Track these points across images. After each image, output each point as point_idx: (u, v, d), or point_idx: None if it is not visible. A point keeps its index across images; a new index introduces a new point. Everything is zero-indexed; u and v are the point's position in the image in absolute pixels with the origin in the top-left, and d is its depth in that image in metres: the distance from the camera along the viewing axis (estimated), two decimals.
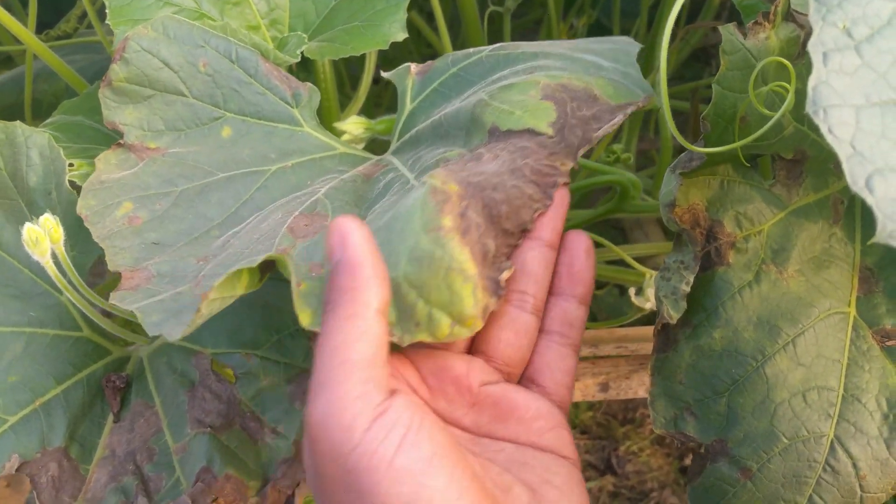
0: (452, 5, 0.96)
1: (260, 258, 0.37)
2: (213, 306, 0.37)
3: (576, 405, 1.17)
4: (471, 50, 0.49)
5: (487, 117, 0.41)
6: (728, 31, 0.41)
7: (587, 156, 0.84)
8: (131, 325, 0.52)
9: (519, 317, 0.40)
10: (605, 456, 1.13)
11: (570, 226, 0.69)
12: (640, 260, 0.70)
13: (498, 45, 0.49)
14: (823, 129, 0.27)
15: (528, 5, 1.12)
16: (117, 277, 0.42)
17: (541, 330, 0.42)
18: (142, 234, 0.45)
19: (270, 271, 0.39)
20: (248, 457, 0.44)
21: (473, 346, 0.41)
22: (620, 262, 0.69)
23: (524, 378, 0.41)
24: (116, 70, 0.48)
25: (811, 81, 0.28)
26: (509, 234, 0.37)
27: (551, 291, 0.42)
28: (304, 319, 0.36)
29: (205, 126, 0.49)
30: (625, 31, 0.97)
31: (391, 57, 0.98)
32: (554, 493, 0.36)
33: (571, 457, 0.39)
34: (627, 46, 0.48)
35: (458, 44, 0.90)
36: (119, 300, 0.40)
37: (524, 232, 0.38)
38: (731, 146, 0.40)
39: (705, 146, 0.42)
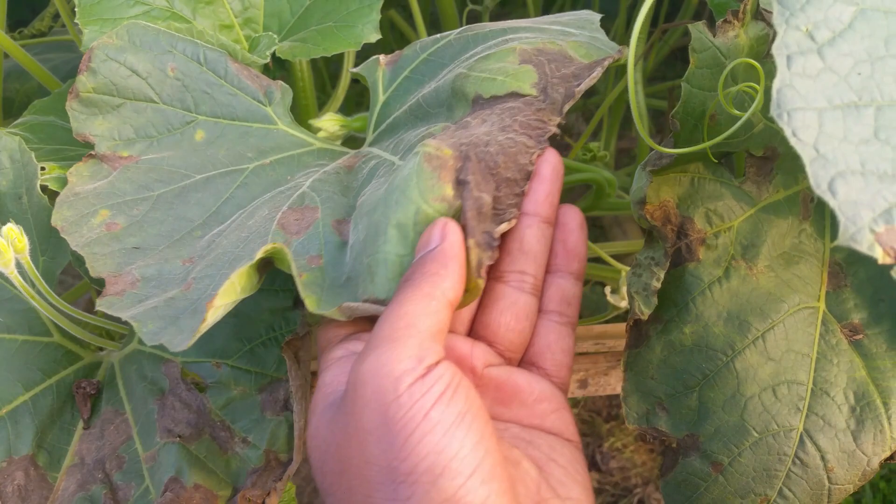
0: (433, 4, 0.96)
1: (259, 253, 0.37)
2: (218, 314, 0.37)
3: None
4: (438, 35, 0.49)
5: (469, 88, 0.42)
6: (697, 30, 0.41)
7: (565, 154, 0.84)
8: (103, 330, 0.51)
9: (519, 299, 0.40)
10: (590, 452, 1.13)
11: None
12: (619, 257, 0.71)
13: (465, 27, 0.49)
14: (787, 133, 0.27)
15: (510, 5, 1.12)
16: (96, 281, 0.42)
17: (539, 309, 0.42)
18: (121, 240, 0.44)
19: (267, 271, 0.39)
20: (217, 466, 0.44)
21: (475, 332, 0.41)
22: (601, 260, 0.70)
23: (524, 360, 0.42)
24: (83, 81, 0.47)
25: (775, 84, 0.28)
26: (512, 181, 0.37)
27: (547, 269, 0.42)
28: (311, 304, 0.37)
29: (177, 131, 0.49)
30: (604, 31, 0.97)
31: (369, 55, 0.97)
32: (560, 472, 0.37)
33: (574, 439, 0.40)
34: (589, 16, 0.49)
35: None
36: (107, 307, 0.39)
37: (528, 177, 0.38)
38: (699, 147, 0.40)
39: (675, 144, 0.42)
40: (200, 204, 0.46)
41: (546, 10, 1.01)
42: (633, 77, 0.39)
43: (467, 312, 0.41)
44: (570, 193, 0.91)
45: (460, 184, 0.36)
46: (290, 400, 0.44)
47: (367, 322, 0.39)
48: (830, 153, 0.27)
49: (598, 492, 1.07)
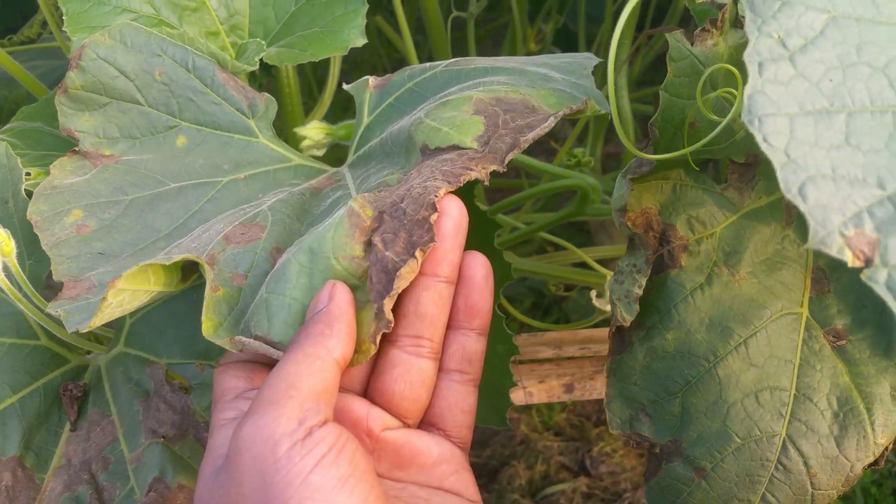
0: (419, 10, 0.97)
1: (176, 258, 0.37)
2: (123, 297, 0.37)
3: (549, 406, 1.18)
4: (427, 64, 0.49)
5: (419, 136, 0.41)
6: (675, 39, 0.41)
7: (549, 159, 0.85)
8: (89, 333, 0.52)
9: (413, 366, 0.39)
10: (579, 457, 1.14)
11: (534, 229, 0.69)
12: (605, 262, 0.71)
13: (453, 60, 0.49)
14: (758, 138, 0.27)
15: (497, 10, 1.13)
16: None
17: (440, 368, 0.40)
18: (89, 244, 0.44)
19: (195, 273, 0.40)
20: None
21: (370, 396, 0.40)
22: (587, 265, 0.70)
23: (424, 421, 0.41)
24: (73, 77, 0.48)
25: (747, 91, 0.28)
26: (420, 221, 0.36)
27: (448, 325, 0.40)
28: (208, 328, 0.37)
29: (160, 134, 0.49)
30: (590, 36, 0.98)
31: (359, 61, 0.98)
32: None
33: (475, 499, 0.39)
34: (585, 60, 0.48)
35: (426, 49, 0.91)
36: (55, 309, 0.40)
37: (435, 208, 0.36)
38: (678, 153, 0.41)
39: (654, 152, 0.42)
40: (169, 215, 0.46)
41: (533, 15, 1.02)
42: (613, 83, 0.39)
43: (362, 373, 0.40)
44: (557, 198, 0.92)
45: (370, 245, 0.36)
46: None
47: (262, 378, 0.38)
48: (801, 158, 0.27)
49: (588, 497, 1.07)
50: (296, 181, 0.49)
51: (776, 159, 0.27)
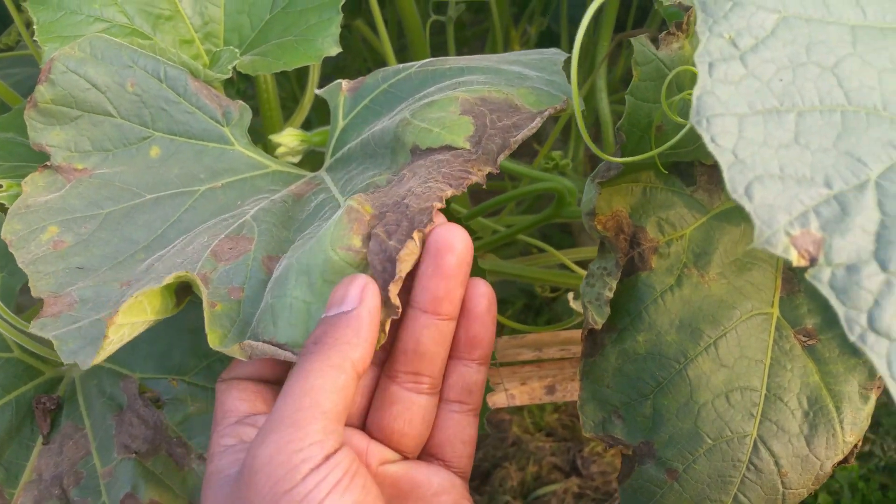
0: (399, 14, 0.97)
1: (168, 278, 0.37)
2: (122, 332, 0.36)
3: (540, 407, 1.18)
4: (401, 66, 0.49)
5: (409, 137, 0.42)
6: (640, 43, 0.42)
7: (530, 163, 0.85)
8: None
9: (413, 403, 0.39)
10: (570, 457, 1.14)
11: (513, 232, 0.69)
12: (588, 263, 0.71)
13: (427, 60, 0.49)
14: (706, 139, 0.27)
15: (483, 13, 1.13)
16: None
17: (440, 398, 0.40)
18: (66, 259, 0.44)
19: (189, 295, 0.39)
20: (173, 483, 0.44)
21: (369, 430, 0.40)
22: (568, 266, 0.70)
23: (424, 451, 0.41)
24: (42, 91, 0.48)
25: (696, 92, 0.28)
26: (425, 210, 0.36)
27: (450, 354, 0.40)
28: (214, 340, 0.37)
29: (133, 146, 0.49)
30: (573, 37, 0.98)
31: (342, 65, 0.98)
32: None
33: None
34: (554, 56, 0.49)
35: (407, 52, 0.91)
36: (39, 328, 0.39)
37: (441, 200, 0.37)
38: (645, 156, 0.41)
39: (622, 156, 0.42)
40: (147, 226, 0.46)
41: (518, 18, 1.02)
42: (576, 85, 0.39)
43: (361, 406, 0.40)
44: (541, 200, 0.92)
45: (370, 237, 0.36)
46: None
47: (265, 404, 0.38)
48: (749, 158, 0.27)
49: (579, 496, 1.07)
50: (274, 187, 0.49)
51: (723, 159, 0.27)
